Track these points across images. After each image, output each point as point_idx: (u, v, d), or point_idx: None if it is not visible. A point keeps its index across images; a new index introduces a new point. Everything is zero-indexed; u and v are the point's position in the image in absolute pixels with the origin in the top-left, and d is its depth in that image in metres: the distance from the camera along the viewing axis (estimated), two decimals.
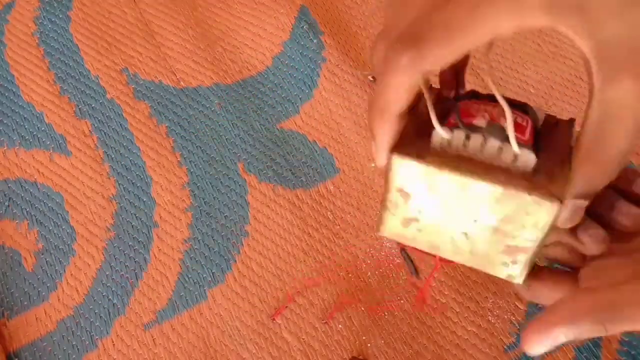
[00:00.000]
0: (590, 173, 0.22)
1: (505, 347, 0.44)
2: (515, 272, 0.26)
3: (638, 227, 0.25)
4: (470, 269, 0.45)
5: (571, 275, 0.27)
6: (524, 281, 0.26)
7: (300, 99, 0.54)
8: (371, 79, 0.47)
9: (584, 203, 0.23)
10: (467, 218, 0.25)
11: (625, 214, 0.25)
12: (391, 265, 0.47)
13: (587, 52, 0.20)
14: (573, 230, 0.24)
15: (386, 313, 0.45)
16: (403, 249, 0.30)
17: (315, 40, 0.56)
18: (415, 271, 0.30)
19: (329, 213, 0.49)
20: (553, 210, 0.22)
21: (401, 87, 0.22)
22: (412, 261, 0.30)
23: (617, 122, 0.20)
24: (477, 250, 0.26)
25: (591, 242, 0.24)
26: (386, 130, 0.23)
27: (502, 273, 0.26)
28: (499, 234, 0.25)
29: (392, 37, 0.21)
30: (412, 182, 0.25)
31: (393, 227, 0.27)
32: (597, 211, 0.25)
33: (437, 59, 0.20)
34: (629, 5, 0.18)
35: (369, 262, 0.47)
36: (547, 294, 0.27)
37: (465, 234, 0.26)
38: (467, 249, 0.26)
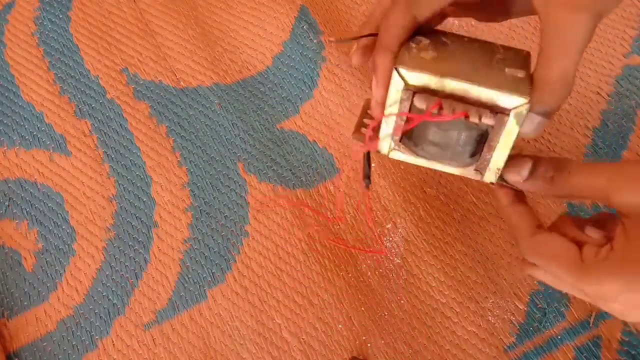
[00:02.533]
0: (546, 88, 0.26)
1: (505, 347, 0.44)
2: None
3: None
4: (470, 269, 0.45)
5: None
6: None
7: (300, 99, 0.54)
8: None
9: (544, 120, 0.27)
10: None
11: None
12: (391, 265, 0.47)
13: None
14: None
15: (386, 313, 0.45)
16: (367, 152, 0.30)
17: (315, 40, 0.56)
18: (369, 178, 0.30)
19: (328, 213, 0.49)
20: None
21: (399, 25, 0.28)
22: (370, 166, 0.30)
23: (558, 45, 0.25)
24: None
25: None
26: (387, 63, 0.28)
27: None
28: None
29: None
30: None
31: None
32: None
33: (425, 4, 0.28)
34: None
35: (369, 262, 0.47)
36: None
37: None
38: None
